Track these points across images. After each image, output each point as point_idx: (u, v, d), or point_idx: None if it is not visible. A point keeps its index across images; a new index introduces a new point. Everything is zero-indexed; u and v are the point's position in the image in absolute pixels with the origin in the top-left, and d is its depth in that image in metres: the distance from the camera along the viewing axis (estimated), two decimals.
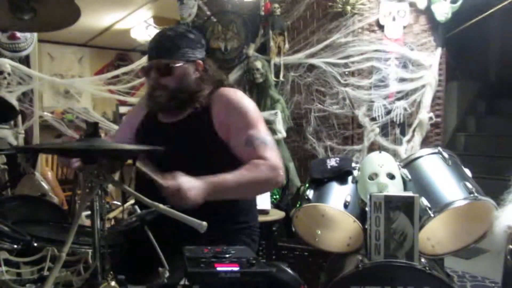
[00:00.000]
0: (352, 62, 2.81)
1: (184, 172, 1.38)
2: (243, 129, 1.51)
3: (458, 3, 2.70)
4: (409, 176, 1.84)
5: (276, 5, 3.04)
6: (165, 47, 1.54)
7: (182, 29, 1.60)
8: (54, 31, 1.50)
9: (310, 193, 1.93)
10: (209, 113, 1.54)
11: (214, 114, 1.54)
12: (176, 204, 1.28)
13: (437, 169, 1.85)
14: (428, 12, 2.78)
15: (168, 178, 1.31)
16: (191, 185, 1.31)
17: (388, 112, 2.77)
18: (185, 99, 1.57)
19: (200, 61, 1.58)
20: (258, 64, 2.98)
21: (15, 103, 2.90)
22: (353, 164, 2.03)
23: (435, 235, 1.83)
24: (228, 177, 1.40)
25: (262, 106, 3.00)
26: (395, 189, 1.75)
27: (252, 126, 1.51)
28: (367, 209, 1.70)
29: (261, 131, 1.52)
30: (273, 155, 1.49)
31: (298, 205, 1.94)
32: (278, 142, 2.90)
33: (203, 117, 1.54)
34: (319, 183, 1.98)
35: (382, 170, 1.79)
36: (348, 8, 2.78)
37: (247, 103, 1.56)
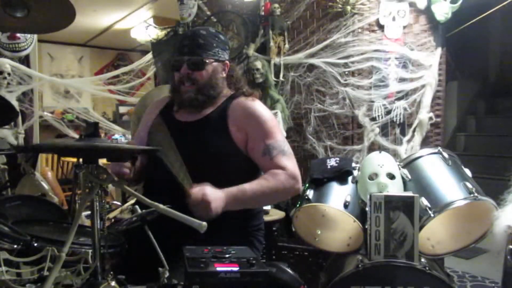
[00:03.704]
0: (352, 62, 2.80)
1: (195, 173, 1.41)
2: (261, 138, 1.54)
3: (458, 3, 2.69)
4: (409, 176, 1.84)
5: (276, 5, 3.04)
6: (199, 43, 1.58)
7: (213, 30, 1.66)
8: (49, 32, 1.49)
9: (310, 193, 1.93)
10: (226, 118, 1.57)
11: (231, 120, 1.57)
12: (197, 214, 1.31)
13: (437, 169, 1.85)
14: (428, 12, 2.78)
15: (195, 186, 1.36)
16: (214, 196, 1.36)
17: (388, 112, 2.77)
18: (211, 96, 1.61)
19: (228, 62, 1.64)
20: (258, 64, 2.98)
21: (15, 103, 2.90)
22: (353, 164, 2.03)
23: (435, 235, 1.83)
24: (248, 188, 1.45)
25: None
26: (395, 189, 1.75)
27: (270, 136, 1.54)
28: (367, 209, 1.70)
29: (279, 141, 1.56)
30: (291, 164, 1.53)
31: (298, 205, 1.94)
32: None
33: (219, 121, 1.58)
34: (319, 183, 1.98)
35: (382, 170, 1.79)
36: (348, 8, 2.78)
37: (264, 112, 1.59)
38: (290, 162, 1.54)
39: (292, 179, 1.51)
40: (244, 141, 1.56)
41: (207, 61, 1.57)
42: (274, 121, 1.61)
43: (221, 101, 1.62)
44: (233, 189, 1.42)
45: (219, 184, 1.43)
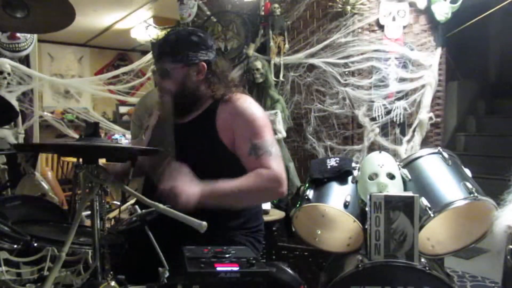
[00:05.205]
0: (352, 62, 2.80)
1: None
2: (248, 137, 1.50)
3: (458, 3, 2.69)
4: (409, 176, 1.84)
5: (276, 5, 3.04)
6: (165, 51, 1.56)
7: (185, 32, 1.60)
8: (49, 32, 1.49)
9: (310, 193, 1.93)
10: (214, 117, 1.54)
11: (219, 119, 1.53)
12: (170, 203, 1.29)
13: (437, 169, 1.85)
14: (428, 12, 2.78)
15: (167, 177, 1.33)
16: (187, 187, 1.32)
17: (388, 112, 2.77)
18: (189, 101, 1.58)
19: (204, 63, 1.56)
20: (258, 64, 2.98)
21: (15, 103, 2.90)
22: (353, 164, 2.03)
23: (435, 235, 1.83)
24: (227, 184, 1.40)
25: (262, 106, 2.99)
26: (395, 189, 1.75)
27: (257, 135, 1.49)
28: (367, 209, 1.70)
29: (266, 141, 1.50)
30: (276, 165, 1.48)
31: (298, 205, 1.94)
32: (278, 142, 2.90)
33: (207, 120, 1.54)
34: (319, 183, 1.98)
35: (382, 170, 1.79)
36: (348, 8, 2.78)
37: (254, 111, 1.54)
38: (276, 163, 1.48)
39: (276, 181, 1.45)
40: (233, 141, 1.52)
41: (172, 68, 1.54)
42: (264, 121, 1.55)
43: (210, 102, 1.58)
44: (211, 184, 1.38)
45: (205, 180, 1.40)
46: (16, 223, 1.20)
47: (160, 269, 1.13)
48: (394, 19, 2.77)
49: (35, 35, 3.14)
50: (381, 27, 2.79)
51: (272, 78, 3.00)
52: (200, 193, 1.35)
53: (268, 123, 1.57)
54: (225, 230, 1.51)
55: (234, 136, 1.52)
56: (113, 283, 1.00)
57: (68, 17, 1.35)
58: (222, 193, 1.40)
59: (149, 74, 3.96)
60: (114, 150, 1.12)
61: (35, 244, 1.08)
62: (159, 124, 1.72)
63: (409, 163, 1.91)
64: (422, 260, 1.67)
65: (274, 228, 2.61)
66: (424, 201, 1.69)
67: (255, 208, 1.66)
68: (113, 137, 4.99)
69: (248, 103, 1.56)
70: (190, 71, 1.55)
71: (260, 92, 3.03)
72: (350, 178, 1.97)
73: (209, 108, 1.57)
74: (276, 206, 2.70)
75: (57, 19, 1.38)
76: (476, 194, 1.67)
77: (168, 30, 3.55)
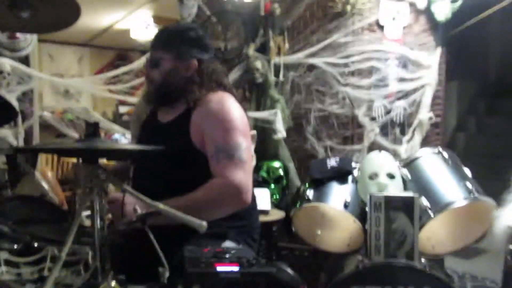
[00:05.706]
0: (352, 62, 2.80)
1: (160, 175, 1.42)
2: (212, 140, 1.42)
3: (459, 3, 2.70)
4: (409, 176, 1.84)
5: (276, 5, 3.04)
6: (159, 40, 1.54)
7: (184, 26, 1.62)
8: (53, 31, 1.48)
9: (310, 193, 1.93)
10: (189, 120, 1.47)
11: (192, 122, 1.47)
12: (114, 215, 1.30)
13: (437, 169, 1.85)
14: (428, 12, 2.78)
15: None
16: (132, 201, 1.28)
17: (388, 112, 2.77)
18: (171, 95, 1.53)
19: (195, 61, 1.52)
20: (258, 64, 2.98)
21: (15, 103, 2.90)
22: (353, 164, 2.03)
23: (435, 235, 1.83)
24: (176, 201, 1.30)
25: (262, 106, 3.00)
26: (395, 189, 1.75)
27: (222, 138, 1.41)
28: (367, 209, 1.70)
29: (231, 144, 1.40)
30: (234, 172, 1.37)
31: (298, 205, 1.94)
32: (278, 142, 2.90)
33: (183, 123, 1.49)
34: (319, 183, 1.98)
35: (382, 170, 1.80)
36: (348, 8, 2.78)
37: (228, 112, 1.45)
38: (234, 170, 1.37)
39: (232, 188, 1.36)
40: (204, 145, 1.45)
41: (162, 59, 1.50)
42: (236, 123, 1.44)
43: (192, 99, 1.51)
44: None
45: (179, 186, 1.37)
46: (16, 223, 1.20)
47: (160, 269, 1.12)
48: (394, 19, 2.78)
49: (35, 35, 3.14)
50: (381, 27, 2.80)
51: (272, 78, 3.01)
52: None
53: (240, 126, 1.45)
54: (218, 228, 1.49)
55: (204, 137, 1.46)
56: (113, 283, 0.99)
57: (73, 15, 1.34)
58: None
59: None
60: (113, 151, 1.12)
61: (35, 244, 1.08)
62: (147, 122, 1.72)
63: (409, 163, 1.91)
64: (422, 260, 1.67)
65: (274, 228, 2.61)
66: (424, 201, 1.69)
67: (248, 206, 1.62)
68: (113, 137, 4.98)
69: (220, 105, 1.46)
70: (179, 65, 1.51)
71: (260, 92, 3.03)
72: (350, 178, 1.97)
73: (187, 109, 1.51)
74: (276, 206, 2.70)
75: (63, 18, 1.37)
76: (476, 194, 1.67)
77: None
